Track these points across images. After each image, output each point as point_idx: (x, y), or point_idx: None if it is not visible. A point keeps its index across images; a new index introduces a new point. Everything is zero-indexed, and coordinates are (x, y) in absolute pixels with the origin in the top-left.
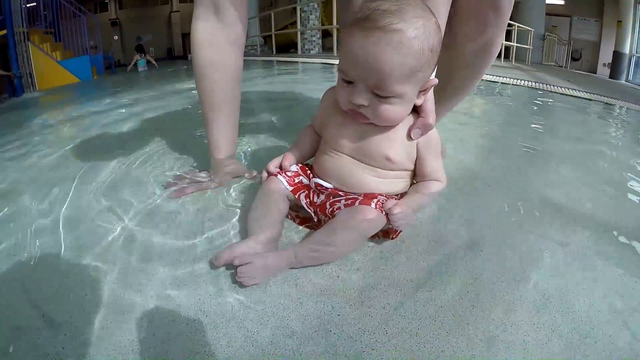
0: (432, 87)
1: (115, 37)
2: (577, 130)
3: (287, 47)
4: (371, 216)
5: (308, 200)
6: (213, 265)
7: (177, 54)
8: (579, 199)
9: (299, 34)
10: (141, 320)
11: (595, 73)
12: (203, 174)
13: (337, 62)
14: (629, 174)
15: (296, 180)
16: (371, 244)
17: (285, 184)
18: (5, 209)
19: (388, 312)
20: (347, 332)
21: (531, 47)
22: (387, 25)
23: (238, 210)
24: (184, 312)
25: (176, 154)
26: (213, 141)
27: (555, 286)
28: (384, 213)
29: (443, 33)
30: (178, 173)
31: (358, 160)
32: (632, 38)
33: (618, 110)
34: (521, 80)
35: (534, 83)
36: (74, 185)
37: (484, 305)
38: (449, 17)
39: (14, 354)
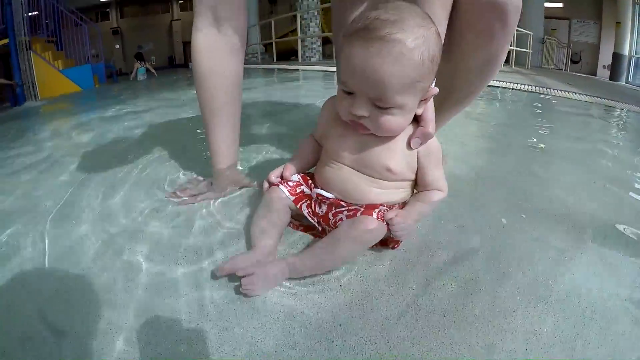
0: (432, 96)
1: (117, 46)
2: (578, 132)
3: (288, 54)
4: (373, 226)
5: (310, 210)
6: (215, 276)
7: (178, 62)
8: (581, 200)
9: (299, 41)
10: (144, 329)
11: (595, 75)
12: (204, 184)
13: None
14: (633, 173)
15: (298, 190)
16: (372, 252)
17: (287, 193)
18: (5, 214)
19: (390, 321)
20: (349, 343)
21: (531, 51)
22: (387, 35)
23: (240, 221)
24: (187, 321)
25: (178, 162)
26: (214, 149)
27: (557, 291)
28: (385, 223)
29: (443, 40)
30: (180, 182)
31: (359, 171)
32: (631, 39)
33: (619, 112)
34: (521, 84)
35: (534, 87)
36: (70, 190)
37: (485, 312)
38: (451, 29)
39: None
